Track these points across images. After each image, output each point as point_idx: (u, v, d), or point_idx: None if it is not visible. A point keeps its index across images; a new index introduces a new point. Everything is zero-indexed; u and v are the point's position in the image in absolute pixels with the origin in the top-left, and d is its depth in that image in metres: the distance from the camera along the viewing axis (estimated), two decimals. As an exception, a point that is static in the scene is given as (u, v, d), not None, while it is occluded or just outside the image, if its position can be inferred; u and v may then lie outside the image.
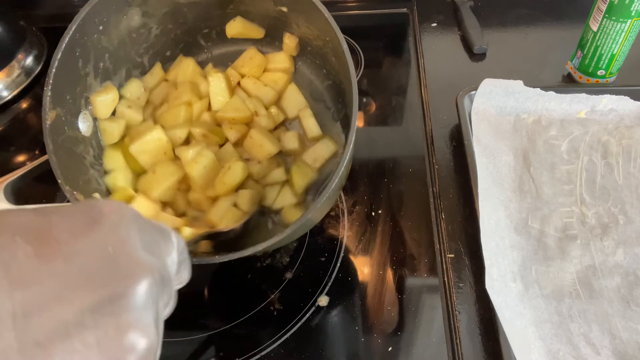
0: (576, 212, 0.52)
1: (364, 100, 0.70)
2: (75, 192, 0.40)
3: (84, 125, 0.45)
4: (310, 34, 0.48)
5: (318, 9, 0.41)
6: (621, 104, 0.59)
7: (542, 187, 0.54)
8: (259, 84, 0.51)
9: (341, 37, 0.40)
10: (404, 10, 0.84)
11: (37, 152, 0.69)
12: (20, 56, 0.77)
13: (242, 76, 0.53)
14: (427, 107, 0.67)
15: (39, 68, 0.79)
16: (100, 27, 0.44)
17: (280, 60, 0.52)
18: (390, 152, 0.63)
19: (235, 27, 0.52)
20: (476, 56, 0.74)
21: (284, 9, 0.47)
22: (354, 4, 0.86)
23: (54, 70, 0.40)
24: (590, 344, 0.44)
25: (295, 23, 0.49)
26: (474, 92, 0.60)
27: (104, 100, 0.46)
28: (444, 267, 0.51)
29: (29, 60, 0.78)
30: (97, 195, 0.44)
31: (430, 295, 0.49)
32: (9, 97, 0.75)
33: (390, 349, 0.46)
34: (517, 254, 0.50)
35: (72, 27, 0.41)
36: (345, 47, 0.40)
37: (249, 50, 0.53)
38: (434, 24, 0.80)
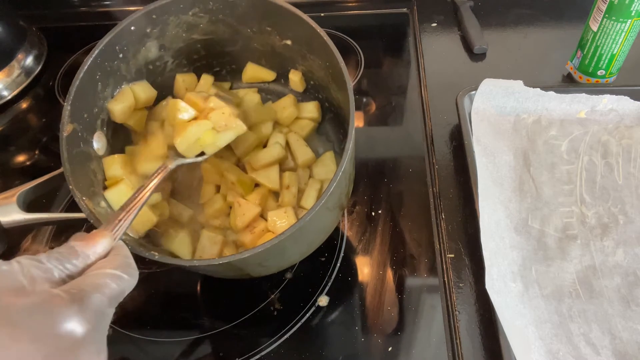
0: (576, 212, 0.52)
1: (364, 100, 0.70)
2: (84, 199, 0.41)
3: (98, 144, 0.47)
4: (312, 64, 0.51)
5: (319, 34, 0.44)
6: (621, 104, 0.59)
7: (542, 187, 0.54)
8: (302, 142, 0.54)
9: (339, 57, 0.42)
10: (404, 10, 0.84)
11: (36, 152, 0.69)
12: (20, 56, 0.77)
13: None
14: (427, 107, 0.67)
15: (39, 68, 0.79)
16: (121, 55, 0.46)
17: (309, 110, 0.55)
18: (390, 152, 0.63)
19: (248, 73, 0.56)
20: (476, 56, 0.74)
21: (289, 42, 0.50)
22: (354, 4, 0.86)
23: (74, 88, 0.42)
24: (590, 344, 0.44)
25: (300, 55, 0.51)
26: (474, 92, 0.60)
27: (122, 108, 0.48)
28: (444, 267, 0.51)
29: (29, 60, 0.78)
30: (103, 204, 0.45)
31: (430, 295, 0.49)
32: (9, 97, 0.75)
33: (390, 349, 0.46)
34: (517, 254, 0.50)
35: (95, 52, 0.43)
36: (343, 65, 0.42)
37: (285, 99, 0.55)
38: (434, 24, 0.80)
